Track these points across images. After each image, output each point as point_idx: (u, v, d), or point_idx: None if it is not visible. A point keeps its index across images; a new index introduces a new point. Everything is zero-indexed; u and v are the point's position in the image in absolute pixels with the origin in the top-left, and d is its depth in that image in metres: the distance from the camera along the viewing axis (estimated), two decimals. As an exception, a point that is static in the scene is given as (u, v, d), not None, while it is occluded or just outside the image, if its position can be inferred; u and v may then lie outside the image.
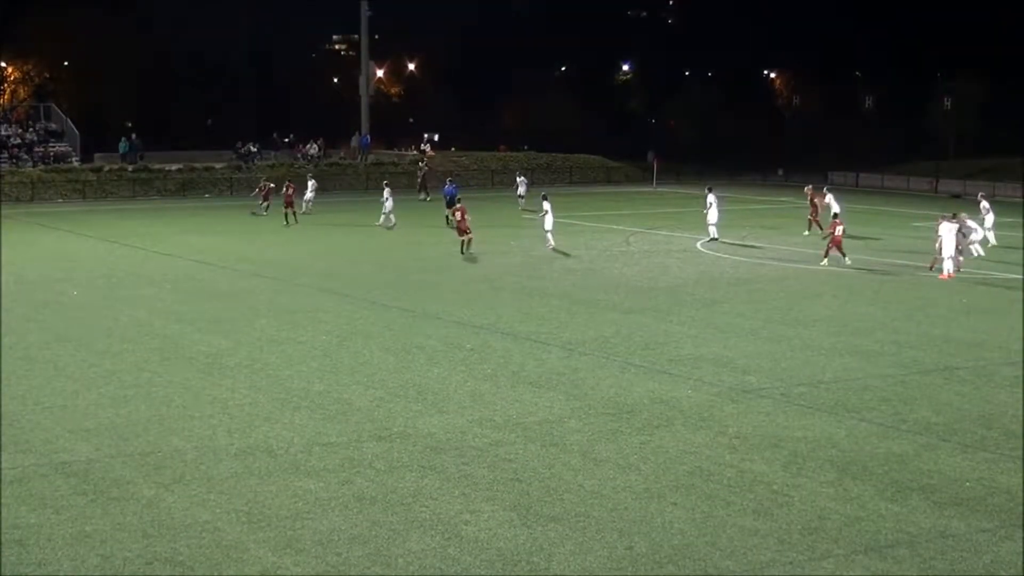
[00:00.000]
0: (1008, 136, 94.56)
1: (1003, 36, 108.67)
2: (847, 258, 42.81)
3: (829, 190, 56.37)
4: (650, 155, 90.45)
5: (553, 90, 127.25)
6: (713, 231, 51.27)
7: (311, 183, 66.55)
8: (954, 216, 42.44)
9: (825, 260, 42.97)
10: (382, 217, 57.46)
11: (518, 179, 70.71)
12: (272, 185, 64.33)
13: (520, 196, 67.84)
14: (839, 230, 42.91)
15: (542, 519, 16.81)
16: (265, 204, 62.60)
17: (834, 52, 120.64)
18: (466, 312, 33.57)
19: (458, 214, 47.45)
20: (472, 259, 45.19)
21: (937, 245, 41.41)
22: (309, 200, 64.62)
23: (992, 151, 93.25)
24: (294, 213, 59.00)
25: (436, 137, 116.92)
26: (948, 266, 40.70)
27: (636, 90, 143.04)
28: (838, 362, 27.32)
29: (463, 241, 46.53)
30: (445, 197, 58.69)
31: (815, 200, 54.73)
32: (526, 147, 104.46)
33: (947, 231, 40.86)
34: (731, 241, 50.74)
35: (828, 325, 32.00)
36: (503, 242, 50.72)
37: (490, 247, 49.04)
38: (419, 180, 76.86)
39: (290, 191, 59.44)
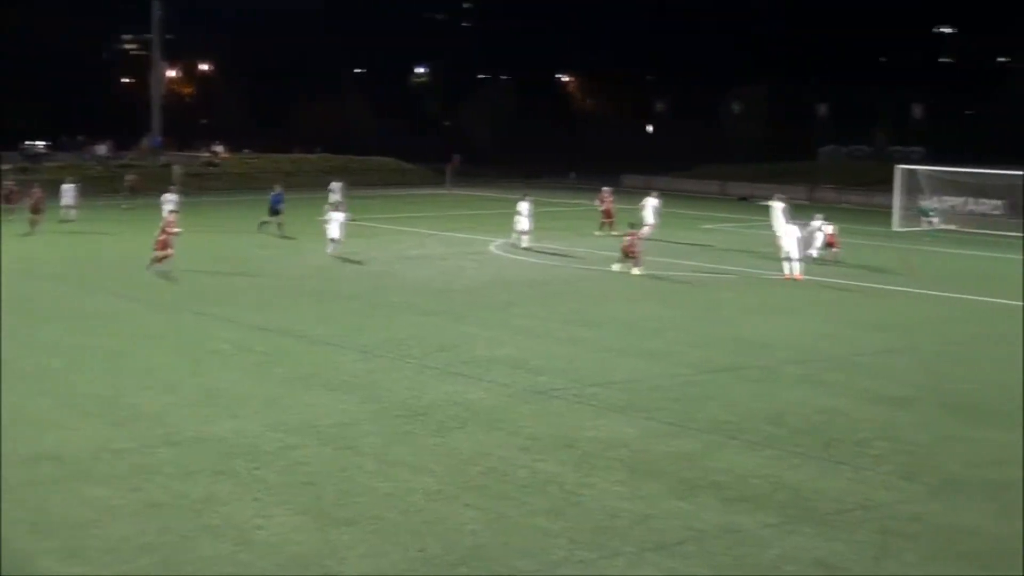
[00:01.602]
0: (793, 140, 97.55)
1: (788, 44, 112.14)
2: (636, 268, 42.39)
3: (656, 196, 56.20)
4: (456, 158, 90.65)
5: (348, 92, 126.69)
6: (524, 240, 50.53)
7: (66, 187, 60.81)
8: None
9: (617, 265, 43.17)
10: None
11: (332, 186, 65.32)
12: (16, 188, 60.64)
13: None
14: (627, 240, 43.20)
15: (335, 522, 16.73)
16: (10, 208, 58.83)
17: (627, 57, 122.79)
18: (260, 315, 33.18)
19: (164, 230, 41.94)
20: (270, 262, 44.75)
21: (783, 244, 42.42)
22: (70, 206, 59.83)
23: (778, 155, 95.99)
24: (35, 222, 54.09)
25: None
26: (789, 268, 41.48)
27: (432, 93, 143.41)
28: (630, 363, 27.78)
29: (159, 256, 40.95)
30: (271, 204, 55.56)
31: (606, 202, 55.63)
32: (320, 149, 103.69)
33: (789, 233, 41.90)
34: (526, 244, 51.10)
35: (620, 326, 32.51)
36: (298, 245, 50.30)
37: (287, 251, 48.62)
38: (127, 186, 70.45)
39: (36, 197, 56.23)
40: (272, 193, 55.67)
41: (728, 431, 21.97)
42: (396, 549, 15.83)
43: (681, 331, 31.97)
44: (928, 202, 62.30)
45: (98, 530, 16.39)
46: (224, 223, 58.60)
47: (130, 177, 73.27)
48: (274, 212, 54.20)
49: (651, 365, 27.56)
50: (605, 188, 58.27)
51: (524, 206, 50.93)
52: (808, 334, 31.84)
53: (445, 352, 28.52)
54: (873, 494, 18.51)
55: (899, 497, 18.44)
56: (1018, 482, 19.06)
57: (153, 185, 69.06)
